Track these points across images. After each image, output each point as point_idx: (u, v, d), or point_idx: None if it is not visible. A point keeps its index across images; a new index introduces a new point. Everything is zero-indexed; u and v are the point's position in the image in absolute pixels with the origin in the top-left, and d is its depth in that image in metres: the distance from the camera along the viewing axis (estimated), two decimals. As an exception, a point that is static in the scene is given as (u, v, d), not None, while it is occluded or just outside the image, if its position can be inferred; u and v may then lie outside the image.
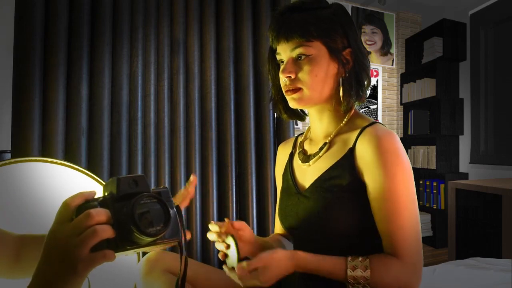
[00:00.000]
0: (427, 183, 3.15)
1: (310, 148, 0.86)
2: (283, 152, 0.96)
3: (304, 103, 0.78)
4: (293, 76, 0.76)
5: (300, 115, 0.89)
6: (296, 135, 0.98)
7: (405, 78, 3.27)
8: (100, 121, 1.57)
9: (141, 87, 1.66)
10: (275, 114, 0.96)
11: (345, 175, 0.74)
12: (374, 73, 3.11)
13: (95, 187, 1.40)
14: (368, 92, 2.90)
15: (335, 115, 0.82)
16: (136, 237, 0.43)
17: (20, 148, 1.42)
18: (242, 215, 1.81)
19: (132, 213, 0.42)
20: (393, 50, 3.23)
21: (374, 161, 0.70)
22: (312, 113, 0.84)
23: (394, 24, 3.22)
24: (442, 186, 3.00)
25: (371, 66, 3.11)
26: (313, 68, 0.74)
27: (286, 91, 0.78)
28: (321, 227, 0.75)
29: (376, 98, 3.12)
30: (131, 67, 1.63)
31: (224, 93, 1.79)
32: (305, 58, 0.74)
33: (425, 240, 3.03)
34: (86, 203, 0.44)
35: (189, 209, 1.73)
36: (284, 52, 0.77)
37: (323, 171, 0.78)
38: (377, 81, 3.13)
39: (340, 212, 0.73)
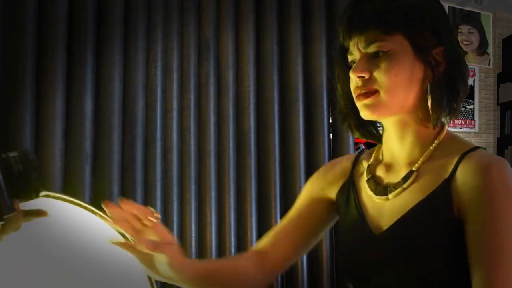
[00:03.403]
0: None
1: (387, 176, 0.77)
2: (333, 170, 0.88)
3: (381, 111, 0.70)
4: (366, 76, 0.69)
5: (376, 135, 0.81)
6: (355, 154, 0.91)
7: (502, 78, 3.42)
8: (109, 145, 1.48)
9: (161, 101, 1.58)
10: (350, 131, 0.85)
11: (439, 214, 0.67)
12: (471, 73, 3.32)
13: (102, 226, 1.26)
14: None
15: (422, 134, 0.74)
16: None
17: (8, 179, 1.30)
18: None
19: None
20: (490, 50, 3.43)
21: (481, 196, 0.63)
22: (389, 128, 0.76)
23: (491, 24, 3.45)
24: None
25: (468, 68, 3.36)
26: (392, 66, 0.68)
27: (358, 95, 0.71)
28: (408, 281, 0.67)
29: (472, 98, 3.34)
30: (148, 76, 1.56)
31: (266, 108, 1.71)
32: (383, 54, 0.68)
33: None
34: None
35: (221, 256, 1.62)
36: (357, 48, 0.71)
37: (409, 208, 0.70)
38: (473, 81, 3.35)
39: (432, 263, 0.65)
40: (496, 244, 0.62)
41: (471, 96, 3.36)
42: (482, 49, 3.41)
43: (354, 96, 0.72)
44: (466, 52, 3.37)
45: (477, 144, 0.73)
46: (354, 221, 0.79)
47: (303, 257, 1.67)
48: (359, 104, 0.71)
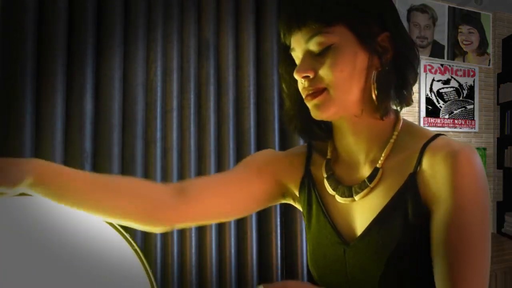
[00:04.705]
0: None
1: (347, 175, 0.73)
2: (291, 159, 0.82)
3: (331, 110, 0.66)
4: (311, 75, 0.65)
5: (321, 135, 0.76)
6: (305, 145, 0.83)
7: (502, 78, 3.41)
8: (109, 144, 1.46)
9: (161, 101, 1.56)
10: (292, 132, 0.87)
11: (409, 211, 0.64)
12: (471, 73, 3.33)
13: (103, 227, 1.29)
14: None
15: (377, 127, 0.70)
16: None
17: (7, 179, 1.26)
18: (289, 263, 1.68)
19: None
20: (490, 50, 3.44)
21: (449, 183, 0.61)
22: (341, 125, 0.72)
23: (491, 24, 3.46)
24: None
25: (466, 67, 3.31)
26: (337, 61, 0.64)
27: (306, 96, 0.67)
28: (388, 283, 0.65)
29: (472, 98, 3.35)
30: (148, 75, 1.54)
31: (266, 107, 1.68)
32: (326, 49, 0.64)
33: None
34: None
35: (221, 256, 1.60)
36: (299, 44, 0.67)
37: (379, 210, 0.67)
38: (473, 81, 3.35)
39: (412, 262, 0.64)
40: (463, 236, 0.60)
41: (471, 96, 3.37)
42: (482, 49, 3.42)
43: (303, 96, 0.69)
44: (466, 52, 3.36)
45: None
46: (322, 226, 0.75)
47: (303, 256, 1.65)
48: (309, 104, 0.68)
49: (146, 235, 1.49)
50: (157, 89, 1.54)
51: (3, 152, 1.30)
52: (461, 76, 3.23)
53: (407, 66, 0.68)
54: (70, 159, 1.40)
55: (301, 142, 1.67)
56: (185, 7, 1.59)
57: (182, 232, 1.53)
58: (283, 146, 1.68)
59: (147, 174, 1.50)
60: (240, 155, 1.63)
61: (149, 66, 1.53)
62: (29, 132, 1.34)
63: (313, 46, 0.65)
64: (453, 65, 3.18)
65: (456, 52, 3.24)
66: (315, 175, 0.77)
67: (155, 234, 1.48)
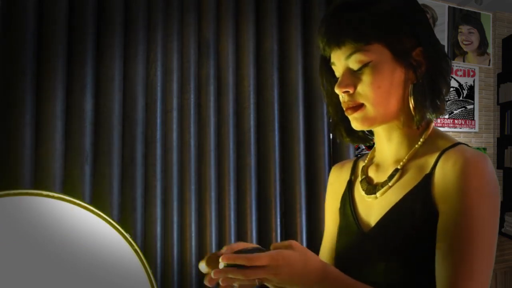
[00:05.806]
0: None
1: (376, 176, 0.80)
2: (338, 178, 0.91)
3: (369, 122, 0.72)
4: (351, 91, 0.70)
5: (365, 138, 0.83)
6: (355, 158, 0.92)
7: (502, 78, 3.48)
8: (109, 144, 1.44)
9: (161, 101, 1.54)
10: (336, 137, 0.88)
11: (418, 208, 0.68)
12: (471, 73, 3.38)
13: (102, 227, 1.32)
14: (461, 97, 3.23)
15: (408, 134, 0.75)
16: None
17: (7, 178, 1.31)
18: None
19: None
20: (490, 50, 3.48)
21: (456, 186, 0.64)
22: (378, 132, 0.78)
23: (491, 24, 3.52)
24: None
25: (466, 67, 3.35)
26: (374, 78, 0.69)
27: (346, 109, 0.73)
28: (393, 274, 0.68)
29: (472, 98, 3.40)
30: (148, 75, 1.53)
31: (266, 108, 1.68)
32: (364, 66, 0.69)
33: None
34: None
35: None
36: (339, 60, 0.72)
37: (393, 204, 0.72)
38: (473, 81, 3.40)
39: (415, 257, 0.66)
40: (465, 232, 0.62)
41: (471, 96, 3.39)
42: (482, 49, 3.44)
43: (344, 108, 0.73)
44: (466, 52, 3.40)
45: (477, 144, 0.72)
46: (348, 221, 0.81)
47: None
48: (350, 117, 0.73)
49: (146, 235, 1.47)
50: (157, 89, 1.52)
51: (3, 152, 1.30)
52: (461, 76, 3.22)
53: (440, 77, 0.71)
54: (70, 159, 1.39)
55: (301, 142, 1.68)
56: (185, 7, 1.58)
57: (182, 232, 1.52)
58: (283, 146, 1.69)
59: (147, 174, 1.49)
60: (240, 155, 1.63)
61: (149, 66, 1.52)
62: (29, 132, 1.33)
63: (352, 63, 0.69)
64: (453, 65, 3.17)
65: (456, 52, 3.27)
66: (354, 182, 0.85)
67: (155, 234, 1.47)
